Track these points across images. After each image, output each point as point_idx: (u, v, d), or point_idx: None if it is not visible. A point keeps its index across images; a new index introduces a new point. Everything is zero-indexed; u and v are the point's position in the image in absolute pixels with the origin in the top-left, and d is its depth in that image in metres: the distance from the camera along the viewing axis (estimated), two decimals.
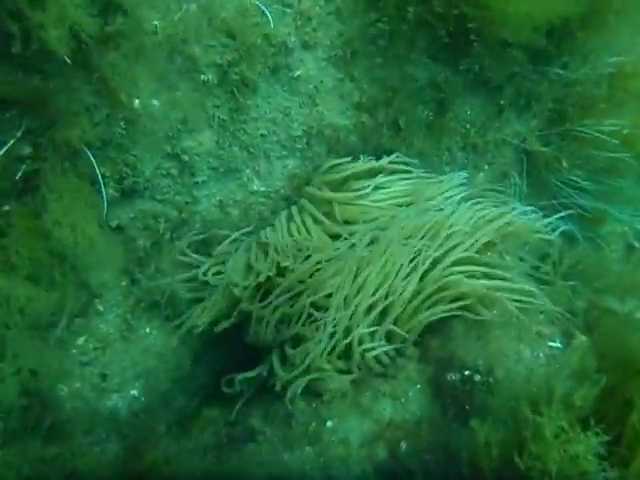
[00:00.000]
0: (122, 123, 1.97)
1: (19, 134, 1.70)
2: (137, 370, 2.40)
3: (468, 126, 2.69)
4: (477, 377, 1.89)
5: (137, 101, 1.98)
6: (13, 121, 1.70)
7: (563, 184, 2.88)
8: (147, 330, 2.44)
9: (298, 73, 2.17)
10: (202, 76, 2.00)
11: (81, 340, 2.24)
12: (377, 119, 2.42)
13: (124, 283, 2.35)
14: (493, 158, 2.82)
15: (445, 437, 1.80)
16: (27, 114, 1.73)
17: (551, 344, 2.09)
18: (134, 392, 2.39)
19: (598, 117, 2.71)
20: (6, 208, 1.77)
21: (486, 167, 2.85)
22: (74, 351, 2.22)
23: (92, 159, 1.85)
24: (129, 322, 2.39)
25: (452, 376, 1.92)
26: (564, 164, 2.83)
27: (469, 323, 2.09)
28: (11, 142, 1.64)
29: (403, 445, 1.79)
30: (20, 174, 1.69)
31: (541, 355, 2.04)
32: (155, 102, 2.01)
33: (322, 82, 2.23)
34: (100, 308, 2.32)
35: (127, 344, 2.38)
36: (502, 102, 2.67)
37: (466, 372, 1.90)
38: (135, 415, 2.43)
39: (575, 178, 2.87)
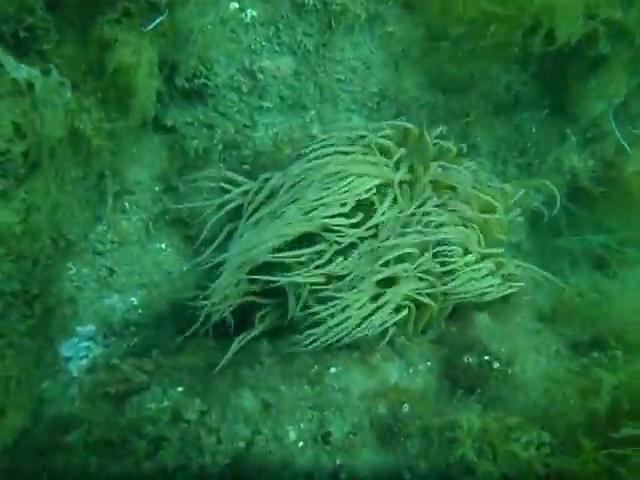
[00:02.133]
0: (213, 15, 1.94)
1: None
2: (143, 280, 2.32)
3: (529, 144, 2.68)
4: (496, 364, 1.82)
5: (235, 4, 1.96)
6: None
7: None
8: (163, 245, 2.37)
9: (391, 29, 2.15)
10: None
11: (101, 228, 2.17)
12: (450, 105, 2.40)
13: (157, 189, 2.29)
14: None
15: (449, 412, 1.72)
16: None
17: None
18: (134, 300, 2.31)
19: None
20: None
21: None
22: (91, 236, 2.15)
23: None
24: (149, 230, 2.32)
25: (469, 358, 1.85)
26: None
27: (494, 319, 2.03)
28: None
29: (405, 407, 1.70)
30: None
31: (561, 372, 1.97)
32: (250, 11, 1.99)
33: (412, 48, 2.21)
34: (126, 205, 2.25)
35: (142, 250, 2.31)
36: (568, 131, 2.65)
37: (486, 357, 1.83)
38: (126, 325, 2.35)
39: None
